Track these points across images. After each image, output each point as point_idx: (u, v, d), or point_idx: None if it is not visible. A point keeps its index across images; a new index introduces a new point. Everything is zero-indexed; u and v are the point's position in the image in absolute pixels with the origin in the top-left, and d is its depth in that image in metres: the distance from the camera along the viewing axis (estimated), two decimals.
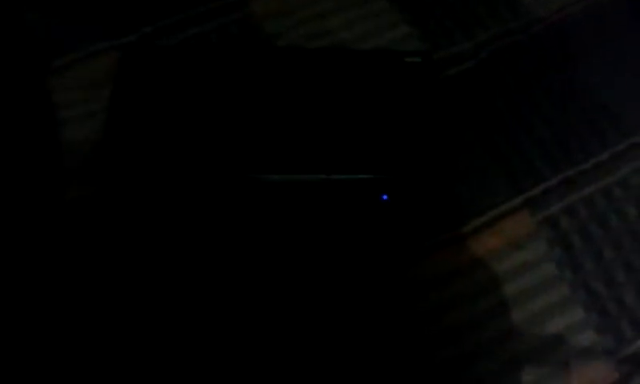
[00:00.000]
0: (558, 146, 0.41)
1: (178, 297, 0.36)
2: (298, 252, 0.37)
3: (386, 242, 0.38)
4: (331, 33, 0.45)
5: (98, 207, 0.38)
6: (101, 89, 0.40)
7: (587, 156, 0.41)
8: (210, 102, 0.38)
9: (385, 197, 0.38)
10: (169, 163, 0.37)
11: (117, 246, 0.37)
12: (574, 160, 0.41)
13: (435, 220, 0.39)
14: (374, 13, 0.46)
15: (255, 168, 0.37)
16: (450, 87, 0.43)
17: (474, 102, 0.43)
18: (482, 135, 0.42)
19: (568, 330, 0.36)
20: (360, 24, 0.45)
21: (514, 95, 0.43)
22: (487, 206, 0.39)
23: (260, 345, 0.35)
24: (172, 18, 0.44)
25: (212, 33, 0.44)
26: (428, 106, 0.39)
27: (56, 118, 0.40)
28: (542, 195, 0.40)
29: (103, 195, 0.38)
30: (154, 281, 0.36)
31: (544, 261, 0.38)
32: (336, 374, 0.35)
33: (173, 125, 0.38)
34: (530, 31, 0.46)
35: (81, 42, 0.43)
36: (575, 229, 0.39)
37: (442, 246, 0.38)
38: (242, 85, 0.39)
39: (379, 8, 0.46)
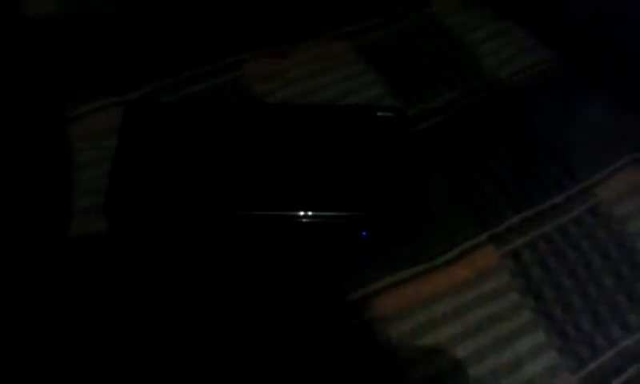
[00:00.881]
0: (518, 190, 0.46)
1: (177, 323, 0.39)
2: (280, 280, 0.41)
3: (361, 274, 0.41)
4: (315, 92, 0.50)
5: (102, 245, 0.41)
6: (105, 139, 0.45)
7: (545, 198, 0.46)
8: (206, 152, 0.43)
9: (364, 233, 0.42)
10: (169, 205, 0.41)
11: (121, 279, 0.40)
12: (534, 202, 0.46)
13: (409, 254, 0.42)
14: (352, 75, 0.51)
15: (246, 206, 0.41)
16: (421, 139, 0.48)
17: (442, 152, 0.48)
18: (451, 180, 0.46)
19: (531, 352, 0.39)
20: (340, 85, 0.50)
21: (478, 145, 0.48)
22: (456, 242, 0.43)
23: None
24: (172, 78, 0.49)
25: (208, 91, 0.49)
26: (401, 153, 0.44)
27: (66, 162, 0.44)
28: (505, 232, 0.44)
29: (108, 234, 0.41)
30: (153, 311, 0.40)
31: (508, 290, 0.42)
32: None
33: (172, 171, 0.42)
34: (491, 90, 0.51)
35: (88, 97, 0.48)
36: (536, 261, 0.43)
37: (414, 277, 0.42)
38: (235, 136, 0.44)
39: (357, 70, 0.52)
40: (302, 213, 0.41)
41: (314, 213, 0.41)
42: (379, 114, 0.46)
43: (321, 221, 0.41)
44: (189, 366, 0.38)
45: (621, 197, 0.46)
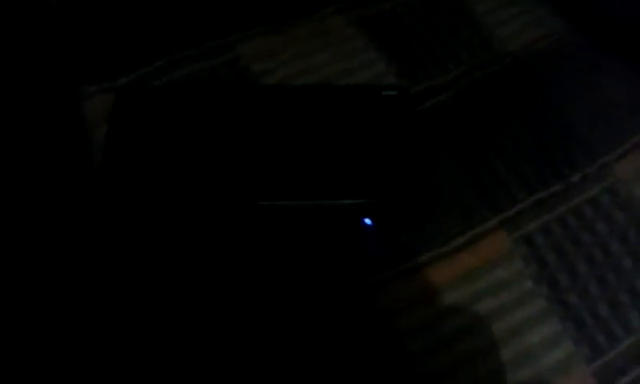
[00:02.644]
0: (531, 170, 0.44)
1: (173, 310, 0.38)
2: (285, 271, 0.39)
3: (368, 263, 0.40)
4: (313, 71, 0.47)
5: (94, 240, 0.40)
6: (96, 127, 0.43)
7: (559, 178, 0.43)
8: (201, 137, 0.41)
9: (368, 221, 0.40)
10: (162, 195, 0.39)
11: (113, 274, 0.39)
12: (547, 183, 0.43)
13: (416, 242, 0.40)
14: (353, 52, 0.48)
15: (244, 196, 0.39)
16: (427, 118, 0.46)
17: (450, 131, 0.45)
18: (459, 161, 0.44)
19: (546, 342, 0.38)
20: (340, 62, 0.48)
21: (487, 123, 0.46)
22: (465, 227, 0.41)
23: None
24: (164, 60, 0.47)
25: (202, 72, 0.47)
26: (406, 135, 0.42)
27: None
28: (516, 216, 0.42)
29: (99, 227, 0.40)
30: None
31: (521, 277, 0.40)
32: None
33: (166, 158, 0.40)
34: (502, 64, 0.49)
35: (77, 84, 0.45)
36: (549, 246, 0.41)
37: (422, 265, 0.40)
38: (231, 120, 0.42)
39: (358, 46, 0.49)
40: (303, 202, 0.39)
41: (316, 202, 0.39)
42: (382, 93, 0.43)
43: (323, 210, 0.39)
44: (187, 359, 0.36)
45: None
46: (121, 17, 0.49)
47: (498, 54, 0.49)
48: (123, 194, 0.39)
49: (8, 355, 0.36)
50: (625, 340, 0.38)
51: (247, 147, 0.40)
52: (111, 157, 0.40)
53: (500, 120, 0.46)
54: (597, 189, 0.43)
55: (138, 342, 0.37)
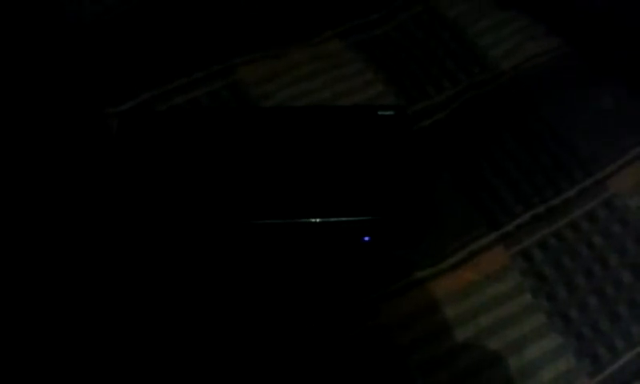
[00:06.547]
0: (528, 186, 0.44)
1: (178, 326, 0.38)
2: (287, 287, 0.40)
3: (368, 280, 0.40)
4: (312, 94, 0.48)
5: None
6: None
7: (556, 193, 0.44)
8: (204, 159, 0.41)
9: (367, 238, 0.40)
10: (168, 216, 0.39)
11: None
12: (544, 197, 0.44)
13: (415, 258, 0.41)
14: (351, 74, 0.50)
15: (246, 215, 0.39)
16: (424, 137, 0.46)
17: (447, 149, 0.46)
18: (457, 179, 0.44)
19: (546, 356, 0.38)
20: (338, 84, 0.49)
21: (484, 141, 0.46)
22: (463, 243, 0.42)
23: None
24: (167, 86, 0.48)
25: (204, 97, 0.48)
26: (404, 153, 0.42)
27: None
28: (515, 230, 0.42)
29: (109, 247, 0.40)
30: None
31: (520, 292, 0.40)
32: None
33: (171, 181, 0.40)
34: (496, 82, 0.49)
35: (81, 109, 0.47)
36: (548, 260, 0.41)
37: (422, 281, 0.40)
38: (233, 143, 0.42)
39: (356, 69, 0.50)
40: (303, 220, 0.39)
41: (316, 220, 0.39)
42: (380, 113, 0.44)
43: (323, 227, 0.39)
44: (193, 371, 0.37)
45: (636, 188, 0.44)
46: (125, 45, 0.50)
47: (492, 72, 0.50)
48: (131, 217, 0.39)
49: (8, 355, 0.36)
50: (626, 353, 0.38)
51: (249, 168, 0.41)
52: (116, 178, 0.40)
53: (496, 137, 0.46)
54: (593, 202, 0.43)
55: (141, 353, 0.37)
